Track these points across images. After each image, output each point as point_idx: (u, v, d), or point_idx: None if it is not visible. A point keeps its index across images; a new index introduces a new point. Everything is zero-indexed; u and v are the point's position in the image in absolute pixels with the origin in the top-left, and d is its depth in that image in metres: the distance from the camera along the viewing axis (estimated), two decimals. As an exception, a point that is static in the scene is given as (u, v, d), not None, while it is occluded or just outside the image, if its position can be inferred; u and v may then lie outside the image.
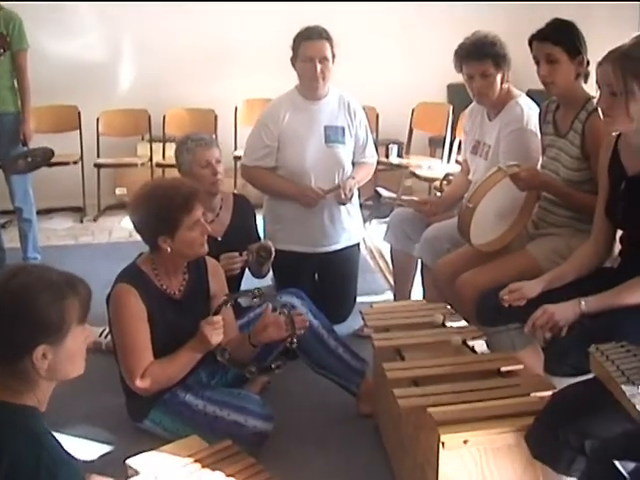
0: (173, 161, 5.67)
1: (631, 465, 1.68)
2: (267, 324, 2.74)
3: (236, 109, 6.30)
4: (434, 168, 5.74)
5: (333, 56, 3.64)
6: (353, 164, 3.83)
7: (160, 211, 2.67)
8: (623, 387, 1.80)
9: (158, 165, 6.10)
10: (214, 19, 6.40)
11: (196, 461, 2.32)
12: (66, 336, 1.65)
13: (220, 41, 6.43)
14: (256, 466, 2.33)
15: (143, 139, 6.41)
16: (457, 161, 5.75)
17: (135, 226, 2.79)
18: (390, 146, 5.90)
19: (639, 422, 1.71)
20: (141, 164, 6.12)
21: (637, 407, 1.71)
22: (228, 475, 2.24)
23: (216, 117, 6.19)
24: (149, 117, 6.18)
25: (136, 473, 2.26)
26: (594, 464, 1.79)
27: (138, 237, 2.86)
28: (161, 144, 6.21)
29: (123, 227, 5.80)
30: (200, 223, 2.74)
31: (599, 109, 2.51)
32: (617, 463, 1.69)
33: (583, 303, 2.36)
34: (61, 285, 1.66)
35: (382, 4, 6.48)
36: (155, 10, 6.30)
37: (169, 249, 2.71)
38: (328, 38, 3.63)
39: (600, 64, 2.42)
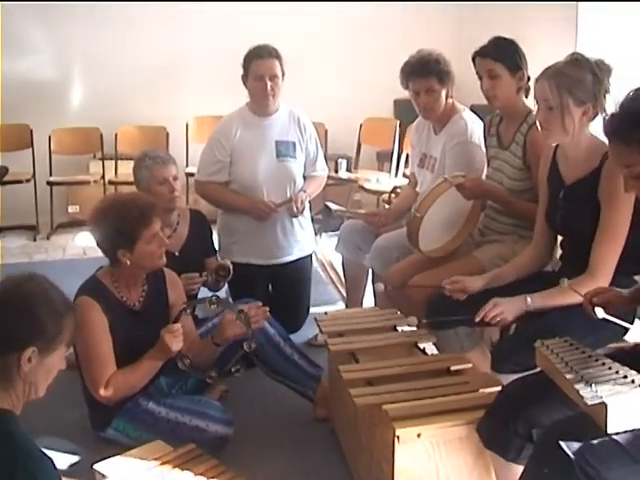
0: (125, 178, 5.82)
1: (575, 445, 1.79)
2: (228, 323, 2.83)
3: (187, 126, 6.37)
4: (382, 182, 5.87)
5: (283, 74, 3.74)
6: (304, 177, 3.94)
7: (119, 225, 2.74)
8: (567, 376, 1.92)
9: (110, 182, 6.13)
10: (164, 37, 6.48)
11: (162, 464, 2.38)
12: (54, 350, 1.74)
13: (170, 59, 6.50)
14: (220, 467, 2.41)
15: (95, 157, 6.44)
16: (405, 174, 5.90)
17: (95, 240, 2.85)
18: (339, 161, 6.02)
19: (582, 407, 1.84)
20: (94, 182, 6.15)
21: (580, 392, 1.83)
22: (193, 475, 2.31)
23: (167, 134, 6.25)
24: (101, 135, 6.22)
25: (103, 477, 2.31)
26: (541, 447, 1.90)
27: (92, 254, 2.94)
28: (113, 162, 6.24)
29: (77, 244, 5.81)
30: (158, 236, 2.82)
31: (537, 122, 2.67)
32: (562, 444, 1.80)
33: (529, 299, 2.51)
34: (63, 305, 1.78)
35: (329, 21, 6.63)
36: (105, 28, 6.35)
37: (128, 262, 2.78)
38: (278, 56, 3.74)
39: (537, 80, 2.58)
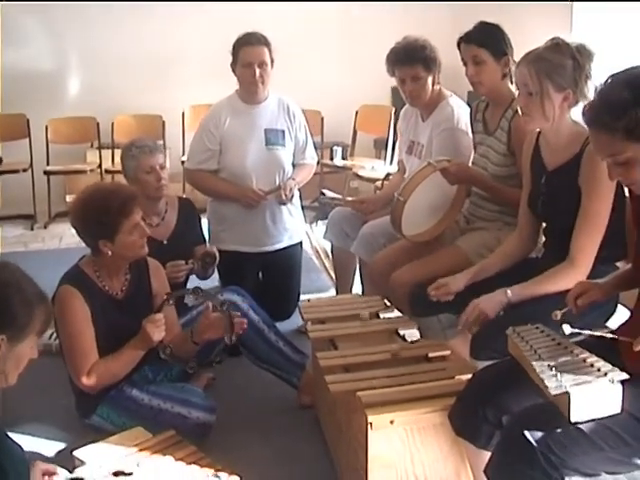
0: (122, 167, 5.79)
1: (539, 434, 1.80)
2: (207, 325, 2.84)
3: (183, 115, 6.38)
4: (377, 169, 5.86)
5: (272, 61, 3.74)
6: (293, 165, 3.94)
7: (99, 216, 2.75)
8: (534, 364, 1.92)
9: (107, 171, 6.16)
10: (160, 26, 6.48)
11: (140, 450, 2.40)
12: (24, 339, 1.75)
13: (166, 48, 6.51)
14: (198, 453, 2.42)
15: (92, 146, 6.47)
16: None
17: (76, 230, 2.85)
18: (334, 148, 6.02)
19: (547, 396, 1.84)
20: (90, 170, 6.19)
21: (545, 382, 1.83)
22: (173, 461, 2.33)
23: (164, 123, 6.27)
24: (97, 124, 6.24)
25: (82, 463, 2.33)
26: (506, 435, 1.91)
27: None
28: (110, 150, 6.26)
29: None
30: (139, 226, 2.82)
31: (518, 108, 2.66)
32: (527, 433, 1.81)
33: (509, 292, 2.50)
34: (35, 294, 1.80)
35: (324, 8, 6.60)
36: (101, 18, 6.36)
37: (110, 252, 2.79)
38: (266, 43, 3.74)
39: (517, 65, 2.57)
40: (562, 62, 2.46)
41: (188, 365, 2.87)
